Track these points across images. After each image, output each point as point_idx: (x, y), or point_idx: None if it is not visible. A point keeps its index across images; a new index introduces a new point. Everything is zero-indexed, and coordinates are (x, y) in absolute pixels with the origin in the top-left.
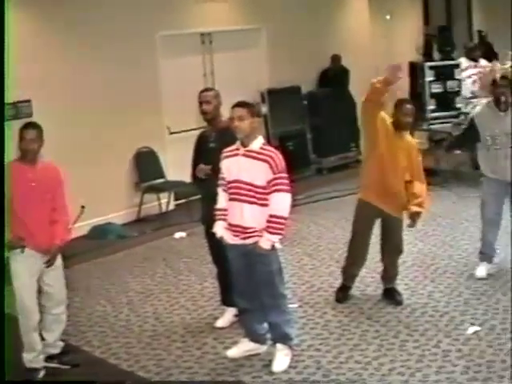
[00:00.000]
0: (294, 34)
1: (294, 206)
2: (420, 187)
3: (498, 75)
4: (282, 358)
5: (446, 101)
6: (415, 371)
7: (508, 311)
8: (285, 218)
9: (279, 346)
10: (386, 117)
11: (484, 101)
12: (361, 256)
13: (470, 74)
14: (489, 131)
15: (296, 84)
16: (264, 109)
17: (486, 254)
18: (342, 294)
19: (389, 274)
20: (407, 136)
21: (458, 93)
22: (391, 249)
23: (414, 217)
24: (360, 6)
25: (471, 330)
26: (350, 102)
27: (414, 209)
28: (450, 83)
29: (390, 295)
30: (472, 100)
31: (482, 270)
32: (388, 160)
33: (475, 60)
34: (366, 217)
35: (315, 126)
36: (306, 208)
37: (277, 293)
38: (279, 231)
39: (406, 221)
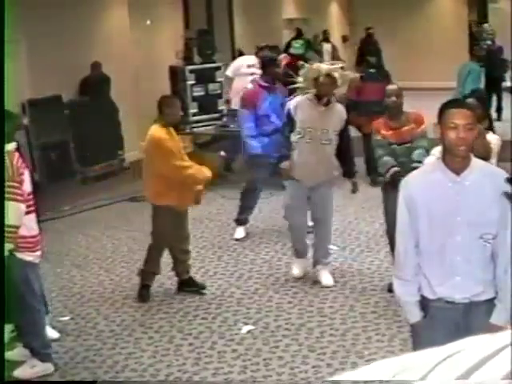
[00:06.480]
0: (54, 44)
1: (60, 217)
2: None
3: (323, 72)
4: None
5: (208, 104)
6: (192, 375)
7: (281, 308)
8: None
9: None
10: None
11: None
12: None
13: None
14: (302, 123)
15: (57, 93)
16: (25, 120)
17: (298, 251)
18: (146, 292)
19: (184, 265)
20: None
21: (219, 95)
22: (183, 239)
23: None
24: (120, 13)
25: (245, 329)
26: (112, 109)
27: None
28: (211, 86)
29: (191, 284)
30: None
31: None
32: (174, 159)
33: None
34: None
35: (78, 135)
36: (73, 219)
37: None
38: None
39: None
